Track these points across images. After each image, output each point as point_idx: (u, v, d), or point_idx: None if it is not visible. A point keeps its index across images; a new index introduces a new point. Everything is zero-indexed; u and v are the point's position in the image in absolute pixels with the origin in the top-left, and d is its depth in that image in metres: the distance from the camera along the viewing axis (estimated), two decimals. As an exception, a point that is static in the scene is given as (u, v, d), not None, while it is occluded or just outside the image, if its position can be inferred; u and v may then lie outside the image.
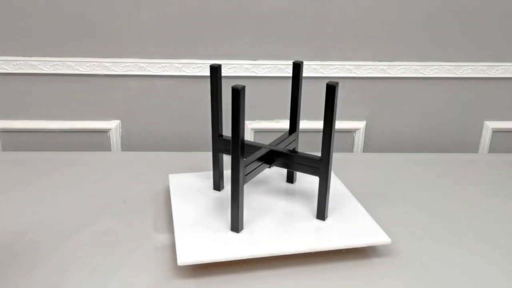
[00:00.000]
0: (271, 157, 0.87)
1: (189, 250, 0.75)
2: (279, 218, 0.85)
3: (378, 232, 0.81)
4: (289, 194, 0.94)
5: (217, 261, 0.75)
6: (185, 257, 0.74)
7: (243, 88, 0.73)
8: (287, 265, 0.78)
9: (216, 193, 0.93)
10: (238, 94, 0.73)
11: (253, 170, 0.82)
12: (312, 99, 1.26)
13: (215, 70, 0.85)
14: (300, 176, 0.99)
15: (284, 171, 1.00)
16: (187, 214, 0.85)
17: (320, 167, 0.82)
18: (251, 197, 0.92)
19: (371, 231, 0.82)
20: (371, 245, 0.81)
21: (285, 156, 0.86)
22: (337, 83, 0.77)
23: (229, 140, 0.89)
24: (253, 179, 0.97)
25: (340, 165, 1.09)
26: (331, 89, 0.77)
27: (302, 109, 1.26)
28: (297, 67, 0.89)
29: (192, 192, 0.92)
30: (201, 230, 0.81)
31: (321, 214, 0.85)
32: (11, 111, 1.23)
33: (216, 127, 0.89)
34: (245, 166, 0.78)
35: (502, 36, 1.23)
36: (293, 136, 0.93)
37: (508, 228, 0.91)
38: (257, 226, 0.82)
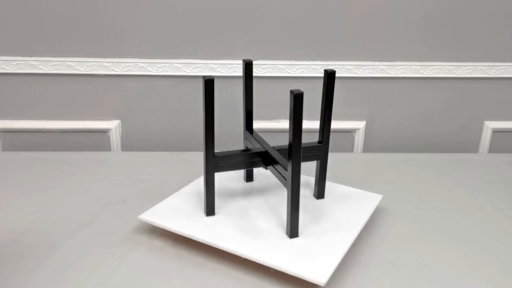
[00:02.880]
0: (267, 159, 0.87)
1: (154, 214, 0.85)
2: (256, 218, 0.85)
3: (324, 268, 0.71)
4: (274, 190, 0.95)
5: (167, 229, 0.82)
6: (146, 216, 0.84)
7: (212, 79, 0.77)
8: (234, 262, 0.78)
9: (246, 184, 0.98)
10: (208, 84, 0.77)
11: (234, 163, 0.84)
12: (313, 99, 1.26)
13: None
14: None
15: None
16: (187, 195, 0.92)
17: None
18: (255, 195, 0.93)
19: (322, 263, 0.73)
20: (300, 277, 0.71)
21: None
22: (302, 92, 0.71)
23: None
24: (273, 182, 0.98)
25: (340, 165, 1.10)
26: (297, 98, 0.71)
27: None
28: (330, 77, 0.85)
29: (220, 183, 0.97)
30: (182, 208, 0.88)
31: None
32: (11, 111, 1.23)
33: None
34: (218, 156, 0.82)
35: (502, 36, 1.23)
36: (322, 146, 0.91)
37: (508, 228, 0.91)
38: (229, 218, 0.85)
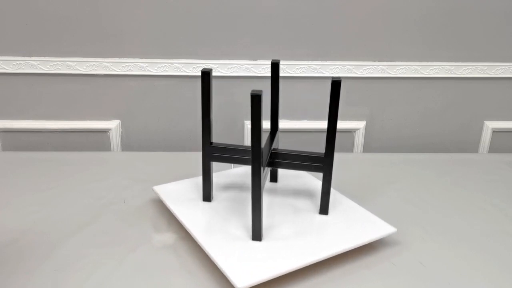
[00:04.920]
0: (272, 159, 0.87)
1: (164, 190, 0.93)
2: (241, 215, 0.86)
3: (253, 274, 0.70)
4: (278, 193, 0.94)
5: (165, 203, 0.89)
6: (159, 189, 0.93)
7: (208, 72, 0.77)
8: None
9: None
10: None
11: (230, 156, 0.86)
12: (312, 99, 1.26)
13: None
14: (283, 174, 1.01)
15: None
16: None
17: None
18: (243, 202, 0.92)
19: (257, 270, 0.71)
20: (226, 275, 0.71)
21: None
22: (260, 93, 0.69)
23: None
24: (232, 183, 0.98)
25: (340, 165, 1.09)
26: (254, 99, 0.70)
27: (302, 109, 1.27)
28: (335, 86, 0.79)
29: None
30: (188, 191, 0.93)
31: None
32: (11, 111, 1.23)
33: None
34: (214, 146, 0.85)
35: (502, 36, 1.23)
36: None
37: (508, 228, 0.91)
38: (219, 209, 0.88)
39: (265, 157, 0.85)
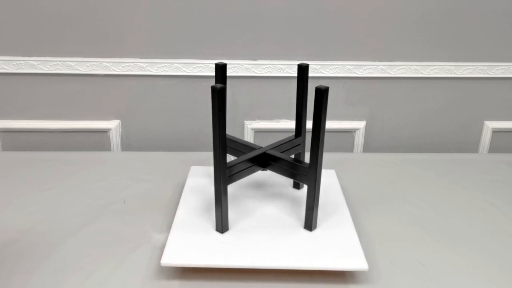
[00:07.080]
0: (265, 160, 0.85)
1: (194, 173, 0.99)
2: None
3: (185, 259, 0.74)
4: (287, 200, 0.92)
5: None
6: (193, 169, 1.02)
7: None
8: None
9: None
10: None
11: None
12: (312, 99, 1.26)
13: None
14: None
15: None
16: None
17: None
18: (247, 200, 0.92)
19: (193, 255, 0.75)
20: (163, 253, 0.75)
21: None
22: (217, 88, 0.70)
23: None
24: (256, 182, 0.97)
25: (340, 165, 1.10)
26: (214, 92, 0.71)
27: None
28: (319, 93, 0.78)
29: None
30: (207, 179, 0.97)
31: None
32: (11, 111, 1.23)
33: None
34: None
35: (502, 36, 1.23)
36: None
37: (508, 228, 0.91)
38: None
39: (253, 155, 0.83)
